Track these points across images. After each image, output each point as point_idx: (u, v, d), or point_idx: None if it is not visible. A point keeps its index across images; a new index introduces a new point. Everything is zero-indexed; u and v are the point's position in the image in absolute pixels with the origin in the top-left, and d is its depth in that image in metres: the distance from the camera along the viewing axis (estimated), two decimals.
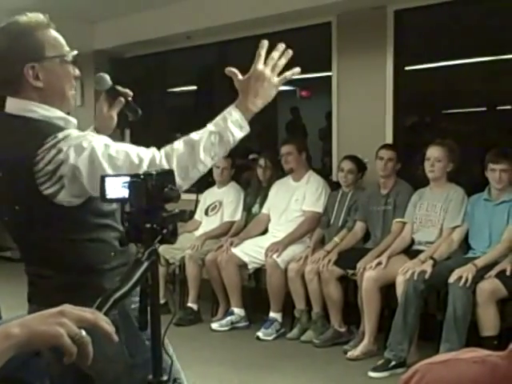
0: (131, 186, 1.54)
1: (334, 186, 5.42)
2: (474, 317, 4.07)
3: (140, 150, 1.87)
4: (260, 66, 1.93)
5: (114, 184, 1.59)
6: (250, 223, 5.72)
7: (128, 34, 6.84)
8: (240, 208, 5.90)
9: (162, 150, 1.88)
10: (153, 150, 1.89)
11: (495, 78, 5.86)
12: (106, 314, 1.22)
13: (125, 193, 1.55)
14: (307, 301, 5.04)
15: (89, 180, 1.82)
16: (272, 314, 5.20)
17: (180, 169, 1.83)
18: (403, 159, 5.05)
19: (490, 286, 4.06)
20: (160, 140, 2.11)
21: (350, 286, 4.93)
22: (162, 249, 1.75)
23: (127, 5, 6.41)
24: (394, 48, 5.44)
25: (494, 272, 4.10)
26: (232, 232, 5.76)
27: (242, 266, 5.40)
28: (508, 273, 4.08)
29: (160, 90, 8.04)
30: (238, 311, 5.40)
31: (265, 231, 5.61)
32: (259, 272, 5.49)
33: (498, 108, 6.72)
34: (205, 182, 5.93)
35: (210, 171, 6.18)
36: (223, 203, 5.95)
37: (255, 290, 5.66)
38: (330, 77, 5.92)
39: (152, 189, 1.53)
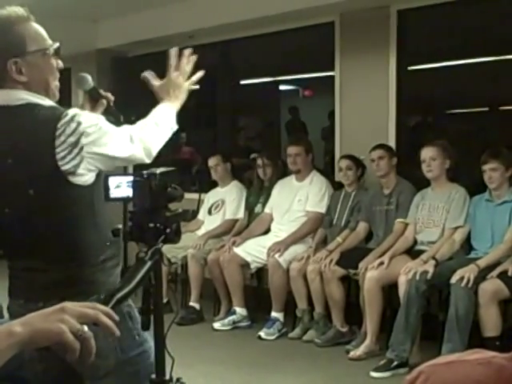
0: (135, 185, 1.54)
1: (337, 186, 5.42)
2: (476, 317, 4.07)
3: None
4: (173, 74, 2.15)
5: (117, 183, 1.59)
6: (252, 223, 5.73)
7: (131, 33, 6.83)
8: (242, 206, 5.90)
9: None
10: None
11: (498, 78, 5.85)
12: None
13: (128, 192, 1.56)
14: (309, 300, 5.03)
15: (109, 148, 1.90)
16: (274, 314, 5.19)
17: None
18: (406, 159, 5.04)
19: (492, 286, 4.05)
20: None
21: (352, 285, 4.93)
22: (165, 248, 1.76)
23: (130, 4, 6.40)
24: (397, 48, 5.43)
25: (496, 272, 4.09)
26: (234, 231, 5.76)
27: (244, 265, 5.39)
28: (510, 273, 4.06)
29: None
30: (240, 311, 5.39)
31: (267, 231, 5.60)
32: (261, 271, 5.49)
33: (501, 108, 6.72)
34: (208, 183, 5.94)
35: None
36: (226, 201, 5.94)
37: (257, 290, 5.66)
38: (332, 76, 5.91)
39: (155, 188, 1.53)
